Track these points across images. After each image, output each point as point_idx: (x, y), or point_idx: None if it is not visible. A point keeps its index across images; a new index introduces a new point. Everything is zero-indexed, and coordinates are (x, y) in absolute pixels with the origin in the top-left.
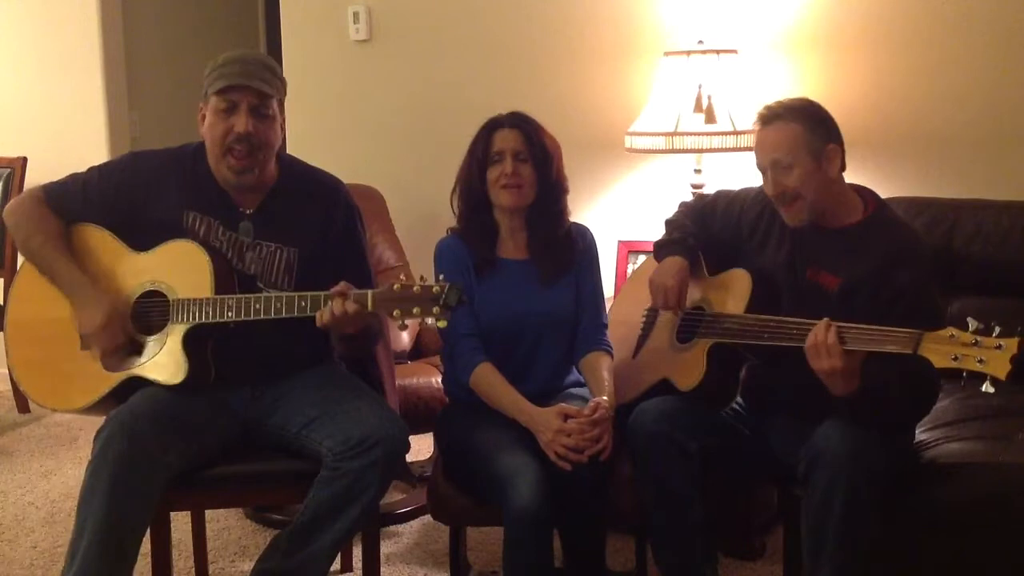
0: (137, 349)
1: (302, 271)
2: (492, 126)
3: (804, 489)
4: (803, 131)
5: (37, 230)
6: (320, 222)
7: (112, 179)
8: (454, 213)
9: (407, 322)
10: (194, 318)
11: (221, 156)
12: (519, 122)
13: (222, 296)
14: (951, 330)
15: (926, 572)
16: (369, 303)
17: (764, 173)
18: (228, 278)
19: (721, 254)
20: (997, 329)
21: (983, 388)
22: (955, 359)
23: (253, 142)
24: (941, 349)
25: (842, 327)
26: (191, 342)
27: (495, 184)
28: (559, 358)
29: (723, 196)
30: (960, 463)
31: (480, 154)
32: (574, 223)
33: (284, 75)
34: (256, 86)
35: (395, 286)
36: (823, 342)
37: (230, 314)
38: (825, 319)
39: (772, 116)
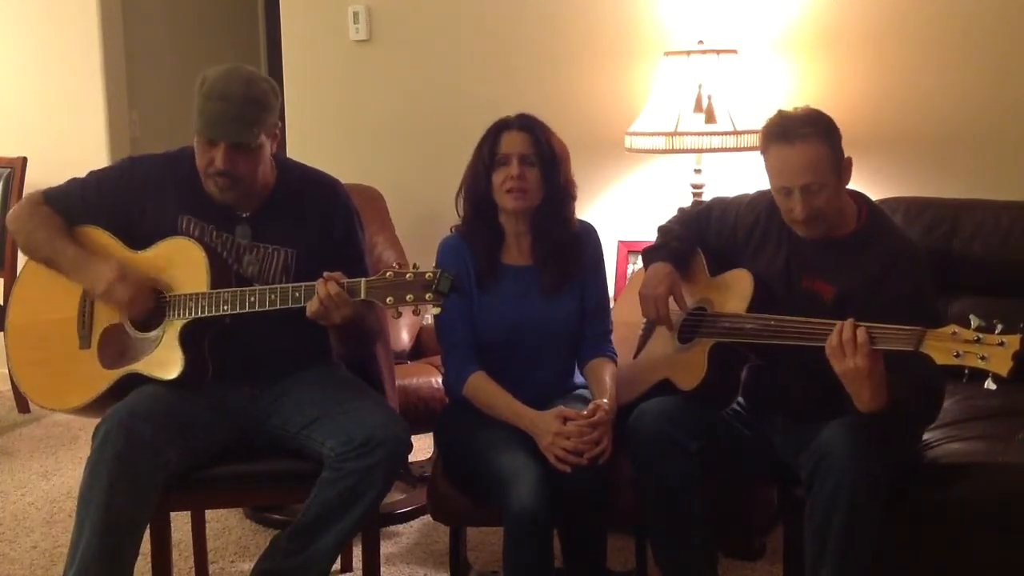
0: (141, 341)
1: (299, 272)
2: (500, 127)
3: (807, 493)
4: (828, 149)
5: (39, 226)
6: (319, 223)
7: (110, 184)
8: (458, 215)
9: (401, 310)
10: (190, 313)
11: (205, 178)
12: (527, 124)
13: (217, 291)
14: (953, 327)
15: (926, 572)
16: (362, 291)
17: (788, 194)
18: (224, 273)
19: (718, 260)
20: (999, 326)
21: (985, 385)
22: (957, 356)
23: (233, 176)
24: (943, 346)
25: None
26: (188, 337)
27: (500, 187)
28: (560, 367)
29: (718, 203)
30: (960, 463)
31: (487, 156)
32: (580, 221)
33: (284, 75)
34: (232, 138)
35: (387, 273)
36: (849, 339)
37: (226, 307)
38: (850, 320)
39: (794, 134)
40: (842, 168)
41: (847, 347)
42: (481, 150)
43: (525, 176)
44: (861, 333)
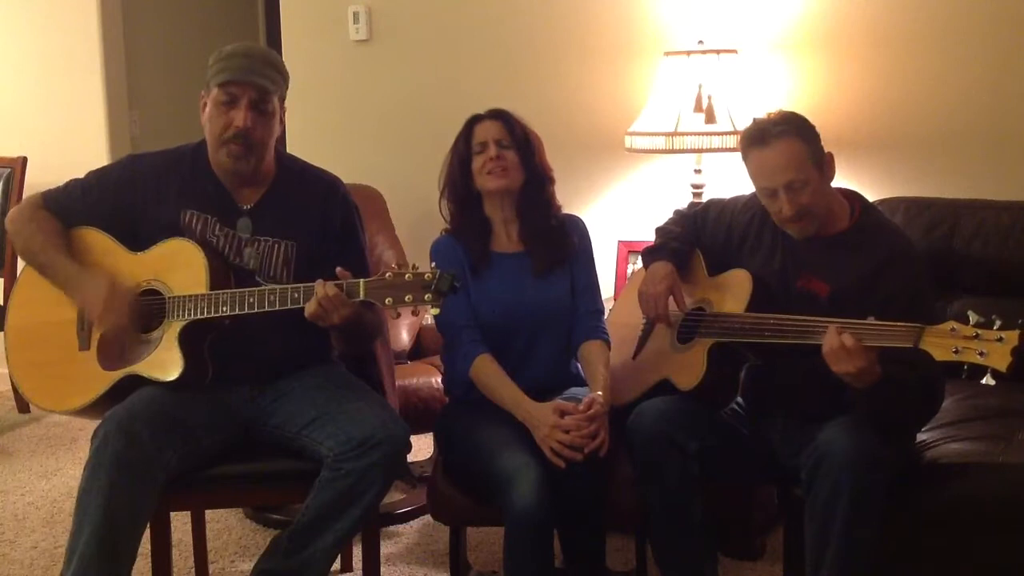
0: (141, 342)
1: (300, 265)
2: (472, 121)
3: (807, 492)
4: (804, 144)
5: (37, 231)
6: (319, 217)
7: (111, 182)
8: (444, 218)
9: (400, 310)
10: (190, 314)
11: (218, 147)
12: (498, 113)
13: (217, 292)
14: (952, 323)
15: (926, 572)
16: (361, 291)
17: (773, 195)
18: (223, 274)
19: (714, 261)
20: (998, 322)
21: (984, 381)
22: (956, 352)
23: (250, 140)
24: (942, 342)
25: (842, 323)
26: (187, 338)
27: (480, 172)
28: (558, 350)
29: (715, 204)
30: (960, 463)
31: (463, 148)
32: (566, 214)
33: None
34: (258, 82)
35: (387, 274)
36: (840, 347)
37: (225, 308)
38: (833, 325)
39: (768, 135)
40: (823, 164)
41: (840, 353)
42: (457, 146)
43: (503, 156)
44: (848, 339)
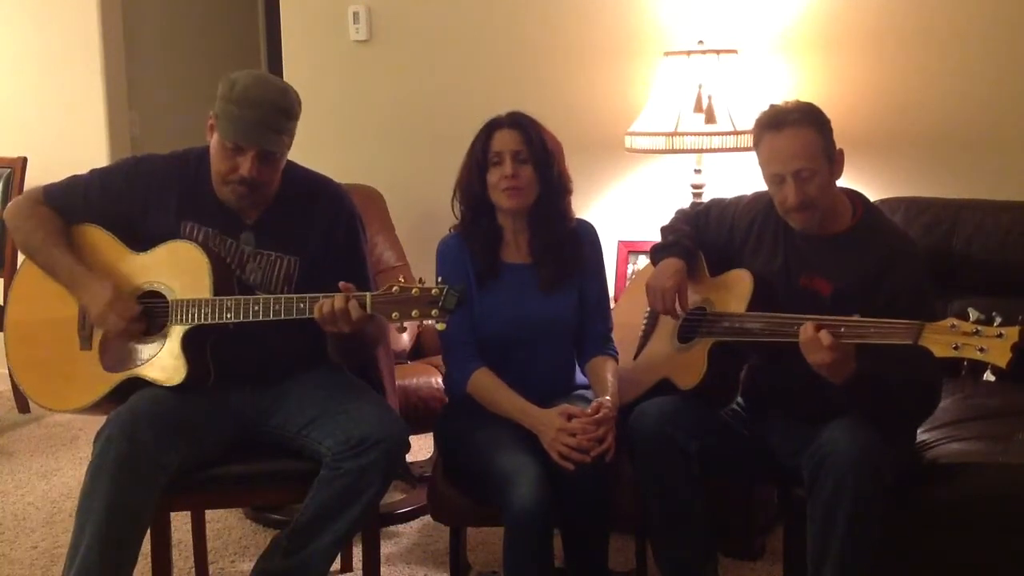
0: (142, 344)
1: (302, 280)
2: (491, 127)
3: (809, 492)
4: (818, 135)
5: (38, 227)
6: (322, 232)
7: (113, 184)
8: (456, 217)
9: (406, 324)
10: (193, 319)
11: (222, 184)
12: (518, 122)
13: (221, 297)
14: (951, 320)
15: (926, 572)
16: (368, 305)
17: (781, 181)
18: (227, 279)
19: (716, 260)
20: (998, 319)
21: (984, 377)
22: (956, 348)
23: (255, 184)
24: (942, 339)
25: (841, 321)
26: (190, 343)
27: (495, 187)
28: (560, 363)
29: (716, 204)
30: (960, 463)
31: (479, 156)
32: (578, 219)
33: (284, 75)
34: (266, 146)
35: (394, 288)
36: (812, 338)
37: (229, 315)
38: (809, 322)
39: (783, 121)
40: (834, 158)
41: (816, 343)
42: (473, 150)
43: (519, 174)
44: (824, 336)
